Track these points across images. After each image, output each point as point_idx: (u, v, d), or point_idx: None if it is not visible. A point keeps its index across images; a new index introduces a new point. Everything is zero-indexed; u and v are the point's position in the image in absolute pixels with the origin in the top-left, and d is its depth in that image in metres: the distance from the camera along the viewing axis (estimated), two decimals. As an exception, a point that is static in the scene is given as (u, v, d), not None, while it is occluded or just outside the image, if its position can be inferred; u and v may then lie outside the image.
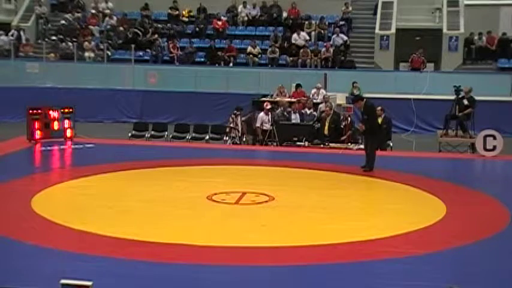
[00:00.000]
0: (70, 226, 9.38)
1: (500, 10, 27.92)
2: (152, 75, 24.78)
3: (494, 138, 15.86)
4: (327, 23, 28.26)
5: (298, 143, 17.41)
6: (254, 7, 29.25)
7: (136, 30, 28.03)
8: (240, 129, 17.83)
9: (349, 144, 17.11)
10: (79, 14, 29.54)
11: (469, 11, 27.43)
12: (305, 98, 19.74)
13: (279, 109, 18.65)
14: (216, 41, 27.56)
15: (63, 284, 5.81)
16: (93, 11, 29.77)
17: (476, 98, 17.88)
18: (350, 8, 28.90)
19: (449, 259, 8.43)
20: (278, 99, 20.23)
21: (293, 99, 19.77)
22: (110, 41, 27.89)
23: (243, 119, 17.93)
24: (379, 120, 16.54)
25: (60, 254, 8.27)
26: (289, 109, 18.47)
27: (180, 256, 8.30)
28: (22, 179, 12.39)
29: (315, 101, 19.94)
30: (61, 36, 28.23)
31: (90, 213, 10.14)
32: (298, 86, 21.29)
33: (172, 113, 22.66)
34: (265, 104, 18.40)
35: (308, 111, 18.61)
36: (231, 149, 17.20)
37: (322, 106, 18.72)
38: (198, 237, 9.01)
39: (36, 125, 16.34)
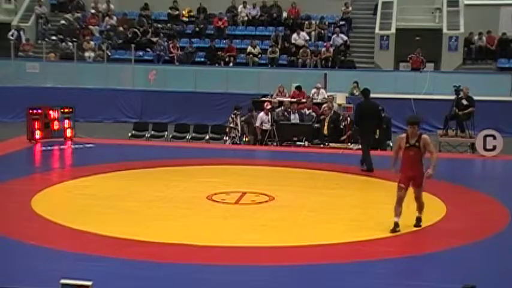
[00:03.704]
0: (70, 226, 9.39)
1: (500, 10, 27.89)
2: (152, 74, 24.78)
3: (494, 138, 15.87)
4: (327, 23, 28.25)
5: (298, 143, 17.43)
6: (254, 7, 29.23)
7: (136, 30, 28.02)
8: (239, 129, 17.83)
9: (349, 144, 17.12)
10: (79, 14, 29.52)
11: (469, 11, 27.41)
12: (304, 99, 19.74)
13: (280, 108, 18.69)
14: (216, 41, 27.55)
15: (63, 284, 5.81)
16: (93, 11, 29.76)
17: (476, 98, 17.89)
18: (350, 8, 28.88)
19: (449, 259, 8.43)
20: (278, 99, 20.24)
21: (293, 100, 19.78)
22: (110, 41, 27.88)
23: (242, 119, 17.92)
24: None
25: (60, 254, 8.27)
26: (289, 109, 18.47)
27: (180, 256, 8.30)
28: (22, 179, 12.39)
29: (314, 100, 19.95)
30: (61, 36, 28.21)
31: (90, 213, 10.15)
32: (298, 87, 21.27)
33: (172, 113, 22.65)
34: (265, 104, 18.41)
35: (307, 112, 18.61)
36: (231, 149, 17.20)
37: (325, 106, 18.75)
38: (198, 237, 9.02)
39: (36, 125, 16.35)
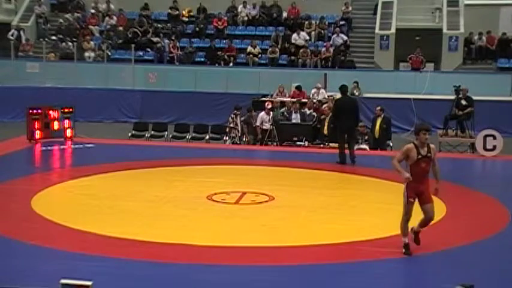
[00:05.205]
0: (70, 226, 9.38)
1: (500, 10, 27.92)
2: (152, 75, 24.84)
3: (494, 138, 15.88)
4: (327, 23, 28.25)
5: (298, 143, 17.43)
6: (254, 7, 29.24)
7: (136, 30, 28.02)
8: (239, 129, 17.83)
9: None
10: (79, 14, 29.52)
11: (469, 11, 27.42)
12: (306, 100, 19.76)
13: (284, 108, 18.71)
14: (216, 41, 27.56)
15: (63, 284, 5.82)
16: (93, 11, 29.77)
17: (476, 98, 17.90)
18: (350, 8, 28.89)
19: (449, 259, 8.43)
20: (278, 99, 20.26)
21: (293, 100, 19.79)
22: (110, 41, 27.88)
23: (242, 119, 17.92)
24: (379, 120, 16.70)
25: (60, 254, 8.27)
26: (291, 109, 18.47)
27: (180, 256, 8.30)
28: (22, 179, 12.39)
29: (314, 100, 19.97)
30: (61, 36, 28.22)
31: (90, 213, 10.14)
32: (298, 87, 21.29)
33: (172, 113, 22.66)
34: (266, 104, 18.42)
35: (308, 112, 18.62)
36: (231, 149, 17.20)
37: (325, 106, 18.78)
38: (198, 237, 9.02)
39: (36, 125, 16.35)
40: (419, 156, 8.29)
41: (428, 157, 8.33)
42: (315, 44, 27.23)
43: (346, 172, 13.97)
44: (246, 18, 29.00)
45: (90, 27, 28.90)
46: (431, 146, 8.45)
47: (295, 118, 18.24)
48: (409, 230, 8.55)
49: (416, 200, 8.46)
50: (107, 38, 28.07)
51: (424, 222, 8.53)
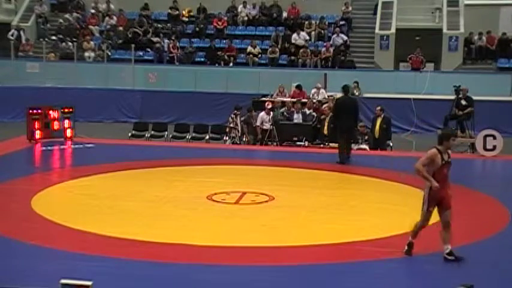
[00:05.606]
0: (70, 226, 9.38)
1: (500, 10, 27.92)
2: (152, 75, 24.87)
3: (494, 138, 15.89)
4: (327, 23, 28.25)
5: (298, 143, 17.43)
6: (254, 7, 29.24)
7: (136, 30, 28.02)
8: (239, 129, 17.84)
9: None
10: (79, 14, 29.51)
11: (469, 11, 27.43)
12: (305, 100, 19.75)
13: (284, 108, 18.71)
14: (216, 41, 27.56)
15: (63, 284, 5.82)
16: (93, 11, 29.77)
17: (476, 98, 17.91)
18: (350, 8, 28.89)
19: (449, 259, 8.42)
20: (278, 99, 20.24)
21: (293, 100, 19.78)
22: (110, 41, 27.88)
23: (242, 119, 17.92)
24: (379, 120, 16.70)
25: (60, 254, 8.27)
26: (292, 109, 18.47)
27: (180, 256, 8.31)
28: (22, 179, 12.39)
29: (314, 100, 19.95)
30: (61, 36, 28.22)
31: (90, 213, 10.15)
32: (298, 86, 21.29)
33: (172, 113, 22.66)
34: (266, 104, 18.41)
35: (308, 112, 18.62)
36: (231, 149, 17.20)
37: (325, 106, 18.78)
38: (198, 237, 9.02)
39: (36, 125, 16.36)
40: (443, 162, 8.20)
41: (449, 162, 8.28)
42: (315, 44, 27.23)
43: (346, 172, 13.97)
44: (246, 18, 29.00)
45: (90, 27, 28.89)
46: (449, 151, 8.36)
47: (297, 118, 18.22)
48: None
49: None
50: (107, 38, 28.06)
51: (447, 232, 8.28)
